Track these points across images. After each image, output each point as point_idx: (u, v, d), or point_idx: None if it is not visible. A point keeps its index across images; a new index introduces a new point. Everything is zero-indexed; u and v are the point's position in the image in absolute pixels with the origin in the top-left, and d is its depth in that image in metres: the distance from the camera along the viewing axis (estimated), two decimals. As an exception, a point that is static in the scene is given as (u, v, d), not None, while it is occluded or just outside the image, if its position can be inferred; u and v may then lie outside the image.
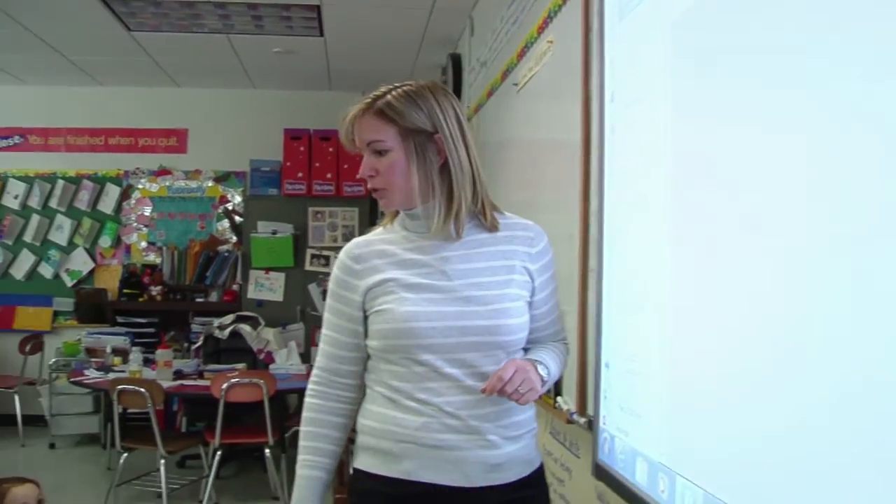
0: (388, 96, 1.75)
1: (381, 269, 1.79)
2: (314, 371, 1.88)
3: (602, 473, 1.94)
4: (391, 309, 1.74)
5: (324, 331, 1.88)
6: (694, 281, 1.52)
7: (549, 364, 1.75)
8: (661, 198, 1.63)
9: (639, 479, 1.73)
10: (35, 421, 6.94)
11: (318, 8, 5.36)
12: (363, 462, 1.79)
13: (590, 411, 2.43)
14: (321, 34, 5.94)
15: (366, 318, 1.81)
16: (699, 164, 1.52)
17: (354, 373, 1.84)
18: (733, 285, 1.38)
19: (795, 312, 1.19)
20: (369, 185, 1.80)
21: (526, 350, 1.82)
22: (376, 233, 1.88)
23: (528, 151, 3.59)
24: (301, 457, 1.83)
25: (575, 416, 2.50)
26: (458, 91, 5.61)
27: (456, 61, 5.72)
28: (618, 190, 1.89)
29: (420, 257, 1.78)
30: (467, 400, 1.70)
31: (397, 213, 1.85)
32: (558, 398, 2.74)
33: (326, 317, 1.88)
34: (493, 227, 1.80)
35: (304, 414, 1.86)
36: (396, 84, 1.78)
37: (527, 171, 3.57)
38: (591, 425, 2.28)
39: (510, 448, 1.74)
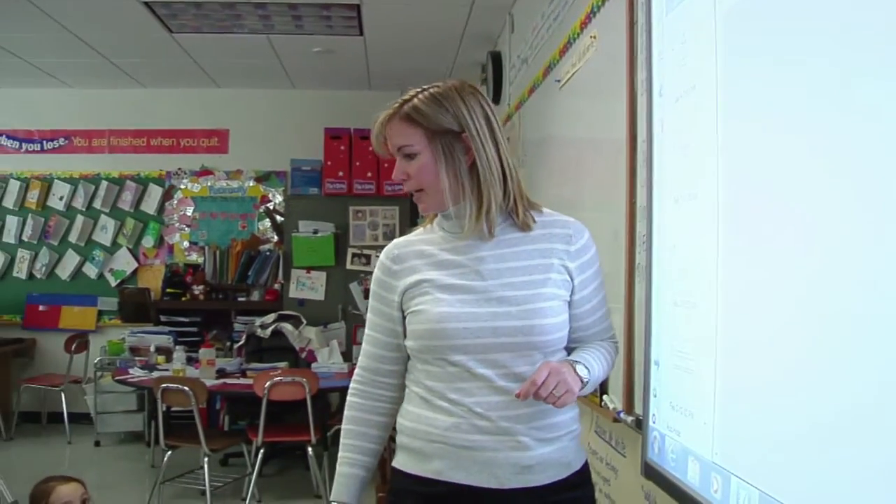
0: (415, 100, 1.75)
1: (418, 269, 1.80)
2: (356, 370, 1.91)
3: (652, 473, 1.91)
4: (425, 310, 1.75)
5: (366, 330, 1.90)
6: (745, 277, 1.49)
7: (591, 364, 1.72)
8: (712, 194, 1.60)
9: (690, 478, 1.70)
10: (81, 419, 7.04)
11: (358, 7, 5.36)
12: (399, 461, 1.82)
13: (637, 410, 2.40)
14: (361, 33, 5.95)
15: (404, 318, 1.82)
16: (751, 159, 1.48)
17: (395, 372, 1.86)
18: (785, 282, 1.35)
19: (849, 309, 1.16)
20: (405, 189, 1.82)
21: (570, 350, 1.80)
22: (417, 233, 1.89)
23: (570, 148, 3.56)
24: (342, 454, 1.86)
25: (622, 415, 2.47)
26: (498, 89, 5.59)
27: (496, 59, 5.69)
28: (667, 186, 1.85)
29: (455, 258, 1.79)
30: (499, 401, 1.70)
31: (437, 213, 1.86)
32: (604, 396, 2.72)
33: (368, 317, 1.90)
34: (525, 226, 1.78)
35: (346, 412, 1.89)
36: (424, 87, 1.79)
37: (569, 168, 3.54)
38: (640, 424, 2.25)
39: (543, 450, 1.72)
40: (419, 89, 1.78)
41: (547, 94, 3.95)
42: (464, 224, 1.76)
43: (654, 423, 1.89)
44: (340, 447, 1.87)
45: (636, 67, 2.49)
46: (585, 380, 1.69)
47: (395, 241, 1.90)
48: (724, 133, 1.57)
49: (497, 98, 5.63)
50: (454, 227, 1.79)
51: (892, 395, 1.06)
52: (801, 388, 1.29)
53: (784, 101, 1.36)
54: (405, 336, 1.81)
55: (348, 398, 1.90)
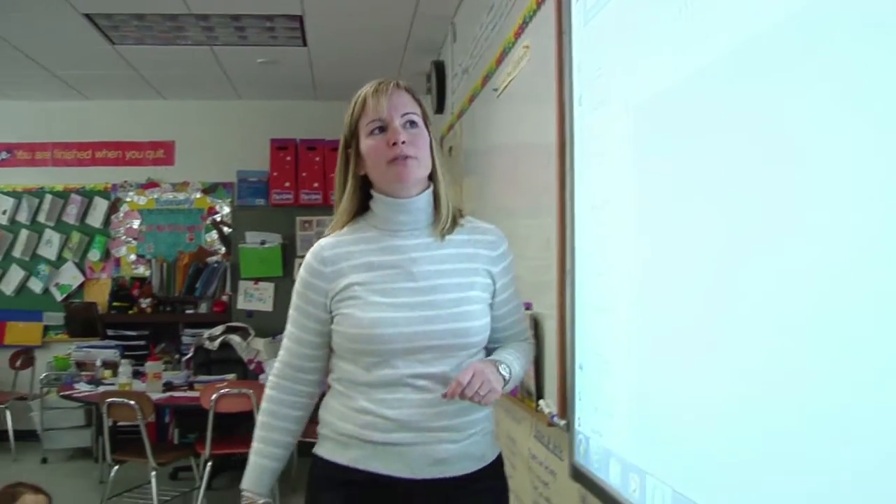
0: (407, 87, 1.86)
1: (346, 272, 1.83)
2: (276, 365, 1.95)
3: (579, 475, 1.96)
4: (355, 315, 1.79)
5: (288, 327, 1.93)
6: (656, 281, 1.55)
7: (511, 363, 1.81)
8: (626, 200, 1.66)
9: (612, 479, 1.75)
10: (27, 436, 6.92)
11: (300, 18, 5.38)
12: (320, 449, 1.89)
13: (569, 412, 2.45)
14: (304, 44, 5.96)
15: (332, 320, 1.85)
16: (662, 165, 1.54)
17: (316, 369, 1.92)
18: (697, 285, 1.40)
19: (761, 310, 1.21)
20: (403, 152, 1.78)
21: (490, 350, 1.88)
22: (344, 232, 1.89)
23: (508, 156, 3.61)
24: (257, 444, 1.91)
25: (555, 419, 2.52)
26: (441, 98, 5.63)
27: (439, 68, 5.73)
28: (586, 193, 1.91)
29: (387, 258, 1.82)
30: (419, 399, 1.76)
31: (360, 212, 1.89)
32: (540, 401, 2.76)
33: (291, 314, 1.92)
34: (452, 231, 1.84)
35: (263, 405, 1.94)
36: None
37: (508, 177, 3.59)
38: (569, 427, 2.30)
39: (457, 445, 1.80)
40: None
41: (486, 103, 4.00)
42: (420, 217, 1.83)
43: (579, 426, 1.95)
44: (255, 438, 1.92)
45: (565, 76, 2.54)
46: (507, 378, 1.78)
47: (322, 241, 1.91)
48: (636, 140, 1.63)
49: (441, 107, 5.67)
50: (408, 223, 1.83)
51: (805, 395, 1.11)
52: (712, 388, 1.34)
53: (690, 108, 1.41)
54: (331, 337, 1.86)
55: (266, 391, 1.94)
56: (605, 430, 1.79)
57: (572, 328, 1.96)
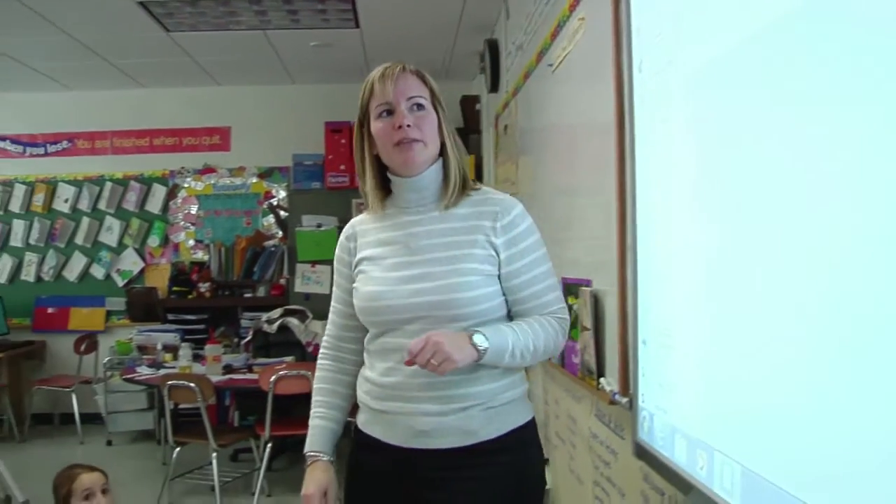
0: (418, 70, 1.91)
1: (362, 247, 1.97)
2: (324, 338, 2.11)
3: (643, 453, 1.90)
4: (359, 287, 1.94)
5: (332, 302, 2.08)
6: (726, 248, 1.48)
7: (495, 335, 1.79)
8: (691, 169, 1.59)
9: (678, 456, 1.69)
10: (92, 419, 7.08)
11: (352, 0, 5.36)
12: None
13: (631, 390, 2.40)
14: (357, 25, 5.95)
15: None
16: (730, 132, 1.47)
17: (356, 339, 2.02)
18: (763, 255, 1.34)
19: (827, 283, 1.15)
20: (408, 136, 1.85)
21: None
22: (374, 210, 1.99)
23: (565, 134, 3.55)
24: (314, 410, 2.04)
25: (617, 397, 2.47)
26: (496, 76, 5.57)
27: (493, 47, 5.68)
28: (649, 163, 1.85)
29: (392, 234, 1.93)
30: (409, 369, 1.80)
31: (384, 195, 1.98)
32: (601, 379, 2.71)
33: (333, 289, 2.09)
34: (456, 204, 1.90)
35: (316, 374, 2.09)
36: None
37: (565, 155, 3.54)
38: (631, 405, 2.25)
39: (442, 418, 1.84)
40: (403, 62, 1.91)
41: (541, 79, 3.94)
42: (427, 194, 1.90)
43: (643, 402, 1.89)
44: (312, 405, 2.05)
45: (622, 43, 2.48)
46: (482, 348, 1.76)
47: (353, 219, 2.08)
48: (701, 106, 1.56)
49: (495, 86, 5.62)
50: (419, 199, 1.91)
51: (870, 370, 1.05)
52: (779, 359, 1.28)
53: (760, 71, 1.35)
54: None
55: (318, 362, 2.10)
56: (669, 407, 1.73)
57: (635, 304, 1.90)
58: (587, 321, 2.83)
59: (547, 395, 4.08)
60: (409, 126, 1.84)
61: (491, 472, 1.85)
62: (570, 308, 3.12)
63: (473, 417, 1.84)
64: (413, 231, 1.90)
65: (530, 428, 1.95)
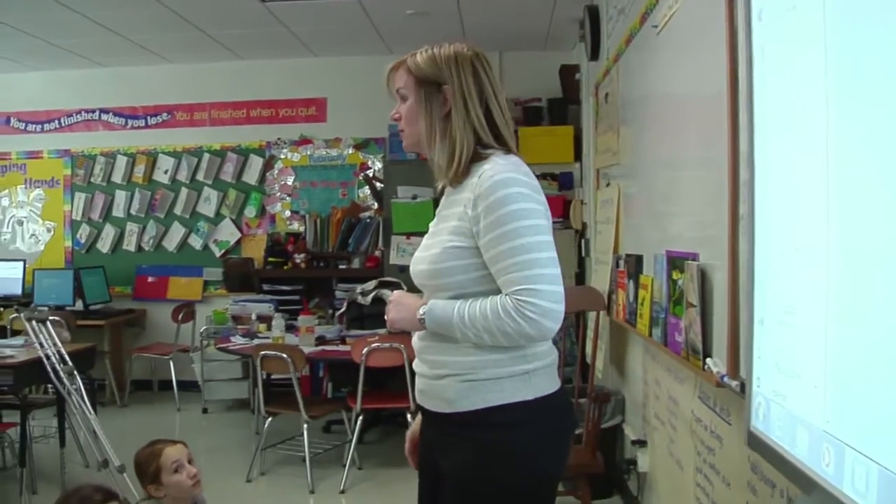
0: (418, 53, 2.02)
1: None
2: None
3: (756, 443, 1.72)
4: None
5: None
6: (865, 216, 1.28)
7: (440, 308, 1.89)
8: (823, 122, 1.39)
9: (799, 449, 1.51)
10: (189, 386, 7.20)
11: (448, -36, 5.21)
12: None
13: (743, 374, 2.22)
14: (454, -8, 5.80)
15: None
16: (868, 82, 1.27)
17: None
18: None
19: None
20: (399, 126, 2.07)
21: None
22: None
23: (669, 98, 3.35)
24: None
25: (726, 380, 2.28)
26: (596, 44, 5.36)
27: (593, 13, 5.46)
28: (770, 120, 1.65)
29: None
30: (422, 332, 1.99)
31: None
32: (707, 360, 2.53)
33: None
34: (460, 179, 1.95)
35: None
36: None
37: (668, 121, 3.33)
38: (742, 388, 2.07)
39: (431, 381, 1.98)
40: (429, 46, 2.03)
41: (644, 44, 3.73)
42: (436, 170, 2.00)
43: (758, 387, 1.69)
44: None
45: (737, -1, 2.28)
46: (420, 316, 1.92)
47: None
48: (835, 50, 1.37)
49: (595, 54, 5.41)
50: (439, 176, 2.01)
51: None
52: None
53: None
54: None
55: None
56: (790, 393, 1.54)
57: (751, 279, 1.71)
58: (693, 297, 2.65)
59: (647, 375, 3.90)
60: (396, 119, 2.06)
61: (475, 444, 1.89)
62: (673, 283, 2.94)
63: (449, 387, 1.92)
64: (441, 205, 2.05)
65: (525, 409, 1.89)
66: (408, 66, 2.01)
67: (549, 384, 1.94)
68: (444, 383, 1.93)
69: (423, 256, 1.98)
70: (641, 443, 3.95)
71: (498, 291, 1.85)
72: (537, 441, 1.91)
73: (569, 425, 2.04)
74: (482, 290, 1.88)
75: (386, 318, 2.03)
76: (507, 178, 1.84)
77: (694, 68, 2.91)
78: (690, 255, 2.78)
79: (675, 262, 2.94)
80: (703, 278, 2.61)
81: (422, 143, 2.01)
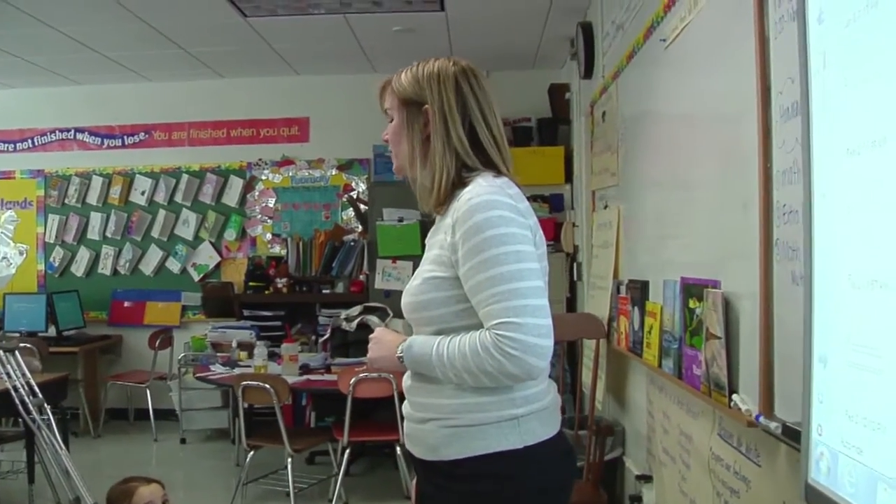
0: (405, 71, 1.89)
1: None
2: None
3: (817, 499, 1.51)
4: None
5: None
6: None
7: (419, 345, 1.76)
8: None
9: (879, 511, 1.31)
10: (167, 415, 6.94)
11: (438, -21, 5.05)
12: None
13: (780, 414, 2.02)
14: (442, 8, 5.62)
15: None
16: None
17: None
18: None
19: None
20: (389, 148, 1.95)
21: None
22: None
23: (679, 116, 3.18)
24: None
25: (761, 420, 2.08)
26: (590, 62, 5.19)
27: (586, 30, 5.30)
28: (835, 134, 1.46)
29: None
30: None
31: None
32: (734, 396, 2.33)
33: None
34: (442, 207, 1.82)
35: None
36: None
37: (678, 139, 3.16)
38: (787, 432, 1.87)
39: (414, 424, 1.84)
40: (416, 62, 1.90)
41: (650, 59, 3.56)
42: (418, 195, 1.89)
43: (819, 435, 1.49)
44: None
45: (766, 2, 2.11)
46: (399, 355, 1.79)
47: None
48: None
49: (589, 72, 5.24)
50: (425, 202, 1.88)
51: None
52: None
53: None
54: None
55: None
56: (868, 446, 1.34)
57: (808, 310, 1.51)
58: (716, 328, 2.45)
59: (651, 406, 3.70)
60: (385, 140, 1.94)
61: (461, 498, 1.74)
62: (690, 312, 2.75)
63: (432, 432, 1.77)
64: (430, 232, 1.91)
65: (514, 459, 1.71)
66: (393, 86, 1.90)
67: (542, 430, 1.76)
68: (427, 428, 1.79)
69: (408, 288, 1.85)
70: (647, 478, 3.74)
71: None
72: (529, 496, 1.72)
73: (566, 477, 1.84)
74: (465, 324, 1.73)
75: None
76: (486, 200, 1.69)
77: (710, 82, 2.74)
78: (710, 283, 2.59)
79: (692, 289, 2.75)
80: (728, 308, 2.42)
81: (405, 166, 1.90)
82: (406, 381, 1.88)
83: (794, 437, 1.82)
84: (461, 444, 1.72)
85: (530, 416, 1.73)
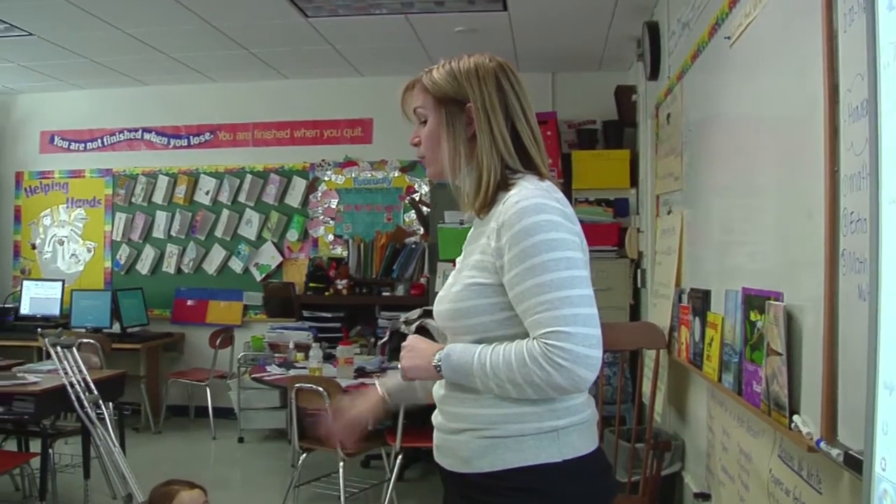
0: (435, 69, 1.80)
1: None
2: None
3: (877, 534, 1.37)
4: None
5: None
6: None
7: (459, 354, 1.67)
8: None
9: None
10: (226, 414, 6.96)
11: (501, -21, 4.95)
12: None
13: (844, 440, 1.88)
14: (505, 8, 5.52)
15: None
16: None
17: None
18: None
19: None
20: (419, 153, 1.83)
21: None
22: None
23: (743, 116, 3.03)
24: None
25: (822, 445, 1.94)
26: (656, 62, 5.04)
27: (653, 30, 5.16)
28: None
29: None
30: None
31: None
32: (795, 417, 2.18)
33: None
34: (486, 208, 1.73)
35: None
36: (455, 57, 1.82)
37: (742, 141, 3.01)
38: (851, 462, 1.73)
39: (447, 435, 1.74)
40: (446, 59, 1.82)
41: (714, 58, 3.42)
42: (461, 200, 1.79)
43: (883, 469, 1.35)
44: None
45: (836, -1, 1.97)
46: (436, 364, 1.69)
47: None
48: None
49: (655, 73, 5.09)
50: (464, 206, 1.80)
51: None
52: None
53: None
54: None
55: None
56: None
57: (874, 330, 1.37)
58: (777, 344, 2.30)
59: (712, 422, 3.54)
60: (416, 144, 1.83)
61: None
62: (751, 325, 2.60)
63: (466, 443, 1.69)
64: (468, 237, 1.83)
65: (552, 473, 1.63)
66: (425, 85, 1.79)
67: (582, 444, 1.68)
68: (460, 439, 1.70)
69: (444, 295, 1.77)
70: (705, 496, 3.59)
71: (527, 335, 1.61)
72: None
73: (605, 496, 1.75)
74: (509, 333, 1.66)
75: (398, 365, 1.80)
76: (534, 204, 1.62)
77: (775, 81, 2.59)
78: (773, 294, 2.44)
79: (753, 300, 2.60)
80: (790, 322, 2.27)
81: (445, 169, 1.79)
82: (438, 390, 1.80)
83: (857, 466, 1.68)
84: (495, 456, 1.65)
85: (570, 429, 1.66)
